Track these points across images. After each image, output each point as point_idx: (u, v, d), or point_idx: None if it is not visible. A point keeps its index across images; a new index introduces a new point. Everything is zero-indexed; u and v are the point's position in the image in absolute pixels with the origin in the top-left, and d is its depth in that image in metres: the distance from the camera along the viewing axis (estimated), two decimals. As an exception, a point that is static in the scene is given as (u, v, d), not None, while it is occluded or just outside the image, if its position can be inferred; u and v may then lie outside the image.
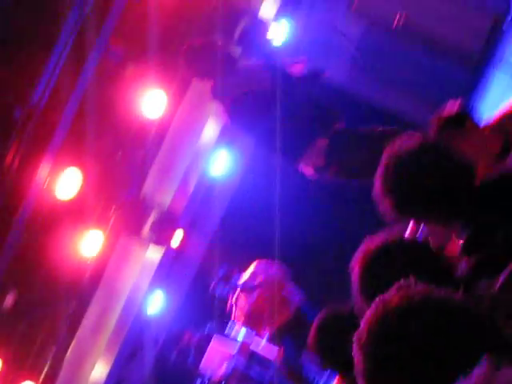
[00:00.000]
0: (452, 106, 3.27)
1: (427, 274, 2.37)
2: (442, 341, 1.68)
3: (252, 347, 6.57)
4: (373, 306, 1.79)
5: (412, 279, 1.82)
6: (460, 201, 2.46)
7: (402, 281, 1.83)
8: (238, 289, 6.65)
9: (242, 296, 6.64)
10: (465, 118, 3.21)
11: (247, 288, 6.59)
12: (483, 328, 1.72)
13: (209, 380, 6.57)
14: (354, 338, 1.79)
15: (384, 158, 2.54)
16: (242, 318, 6.59)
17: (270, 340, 6.65)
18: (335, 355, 2.59)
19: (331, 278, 7.28)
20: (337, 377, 4.87)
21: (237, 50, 6.63)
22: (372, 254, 2.54)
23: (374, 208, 2.62)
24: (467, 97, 8.83)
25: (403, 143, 2.53)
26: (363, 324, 1.78)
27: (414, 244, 2.63)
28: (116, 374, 7.81)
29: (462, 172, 2.47)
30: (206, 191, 7.96)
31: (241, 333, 6.77)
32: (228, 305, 6.77)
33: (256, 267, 6.75)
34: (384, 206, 2.55)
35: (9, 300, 6.19)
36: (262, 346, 6.63)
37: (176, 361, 7.15)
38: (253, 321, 6.59)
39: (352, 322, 2.58)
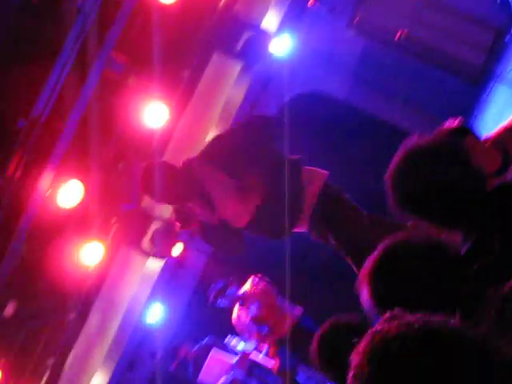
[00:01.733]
0: (452, 122, 3.26)
1: (440, 277, 2.36)
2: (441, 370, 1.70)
3: (251, 358, 6.59)
4: (368, 337, 1.80)
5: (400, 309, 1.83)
6: (468, 206, 2.44)
7: (391, 312, 1.84)
8: (237, 304, 6.66)
9: (241, 310, 6.65)
10: (465, 133, 3.20)
11: (245, 302, 6.60)
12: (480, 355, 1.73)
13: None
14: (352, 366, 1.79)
15: (399, 152, 2.50)
16: (242, 332, 6.60)
17: (269, 353, 6.66)
18: (336, 366, 2.56)
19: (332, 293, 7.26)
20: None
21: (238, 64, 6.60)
22: (383, 259, 2.49)
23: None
24: (468, 109, 8.87)
25: (420, 139, 2.50)
26: (360, 354, 1.79)
27: (425, 246, 2.56)
28: (114, 385, 7.80)
29: (476, 176, 2.45)
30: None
31: (240, 344, 6.78)
32: (229, 318, 6.78)
33: (253, 282, 6.77)
34: (391, 200, 2.53)
35: (9, 310, 6.18)
36: (261, 357, 6.64)
37: (175, 372, 7.15)
38: (251, 334, 6.60)
39: (356, 334, 2.55)
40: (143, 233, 7.09)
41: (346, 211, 5.27)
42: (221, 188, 5.13)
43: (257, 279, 6.75)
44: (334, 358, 2.64)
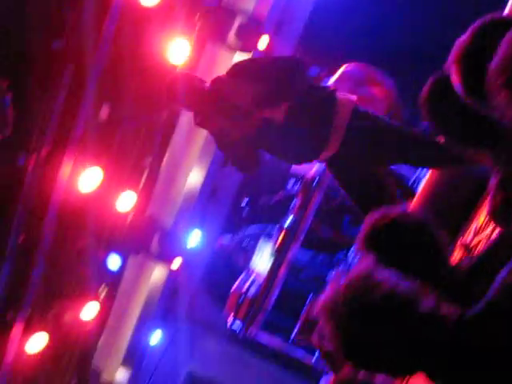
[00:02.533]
0: None
1: None
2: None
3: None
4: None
5: None
6: None
7: None
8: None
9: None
10: None
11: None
12: None
13: (302, 179, 6.68)
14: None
15: None
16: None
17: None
18: (443, 114, 2.52)
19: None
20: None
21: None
22: (473, 41, 2.39)
23: None
24: None
25: None
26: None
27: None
28: (211, 180, 8.01)
29: None
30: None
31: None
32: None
33: (346, 69, 6.65)
34: None
35: (104, 112, 6.31)
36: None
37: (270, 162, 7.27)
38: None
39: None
40: (228, 28, 7.02)
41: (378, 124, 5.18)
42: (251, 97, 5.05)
43: (352, 67, 6.61)
44: (442, 106, 2.58)
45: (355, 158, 5.09)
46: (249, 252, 7.12)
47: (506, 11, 2.75)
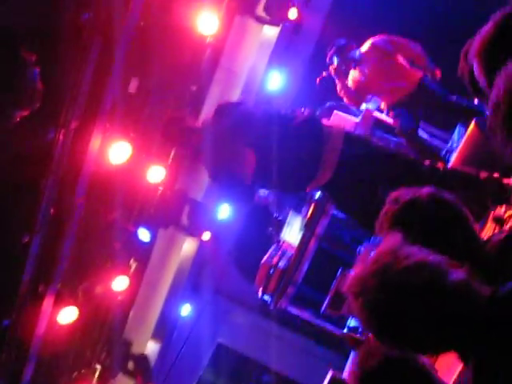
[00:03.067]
0: None
1: None
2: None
3: (374, 116, 6.56)
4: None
5: None
6: None
7: None
8: (352, 67, 6.55)
9: (357, 72, 6.55)
10: None
11: (361, 62, 6.47)
12: None
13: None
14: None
15: None
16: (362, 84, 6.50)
17: (389, 114, 6.63)
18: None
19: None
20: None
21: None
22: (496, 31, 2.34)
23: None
24: None
25: None
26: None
27: None
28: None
29: None
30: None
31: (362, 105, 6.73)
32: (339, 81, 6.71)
33: (372, 42, 6.59)
34: None
35: (132, 86, 6.28)
36: (383, 116, 6.62)
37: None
38: (371, 91, 6.53)
39: None
40: (257, 0, 6.97)
41: (375, 147, 5.15)
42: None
43: (375, 38, 6.55)
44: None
45: (350, 182, 5.11)
46: (280, 223, 7.08)
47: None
